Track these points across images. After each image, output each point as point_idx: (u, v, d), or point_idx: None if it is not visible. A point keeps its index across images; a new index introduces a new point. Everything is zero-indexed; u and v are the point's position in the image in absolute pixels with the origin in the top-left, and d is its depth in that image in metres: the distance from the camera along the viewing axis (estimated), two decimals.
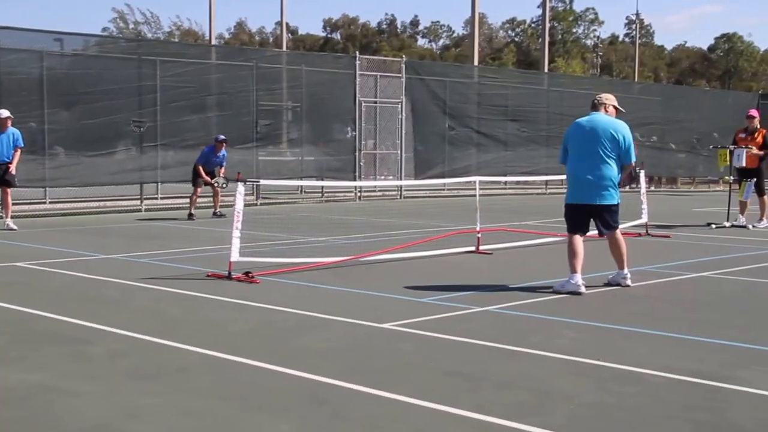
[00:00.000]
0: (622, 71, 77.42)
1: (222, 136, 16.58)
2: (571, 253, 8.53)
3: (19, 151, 14.09)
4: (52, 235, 13.27)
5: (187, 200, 16.60)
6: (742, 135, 15.64)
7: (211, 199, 16.64)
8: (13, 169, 14.03)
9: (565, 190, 9.07)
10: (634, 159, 8.77)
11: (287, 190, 21.67)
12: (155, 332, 6.59)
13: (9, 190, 14.13)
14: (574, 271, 8.46)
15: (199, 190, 16.41)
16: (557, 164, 8.95)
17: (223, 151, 16.53)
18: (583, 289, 8.40)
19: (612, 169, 8.57)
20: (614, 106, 8.92)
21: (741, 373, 5.59)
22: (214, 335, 6.59)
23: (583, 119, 8.76)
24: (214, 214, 16.38)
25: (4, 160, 13.96)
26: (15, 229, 13.62)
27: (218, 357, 5.90)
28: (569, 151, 8.68)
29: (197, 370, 5.62)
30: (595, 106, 8.82)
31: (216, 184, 16.30)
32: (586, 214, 8.67)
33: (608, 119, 8.73)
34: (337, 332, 6.77)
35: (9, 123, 14.04)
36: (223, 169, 16.52)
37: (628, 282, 8.82)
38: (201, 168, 16.39)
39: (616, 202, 8.66)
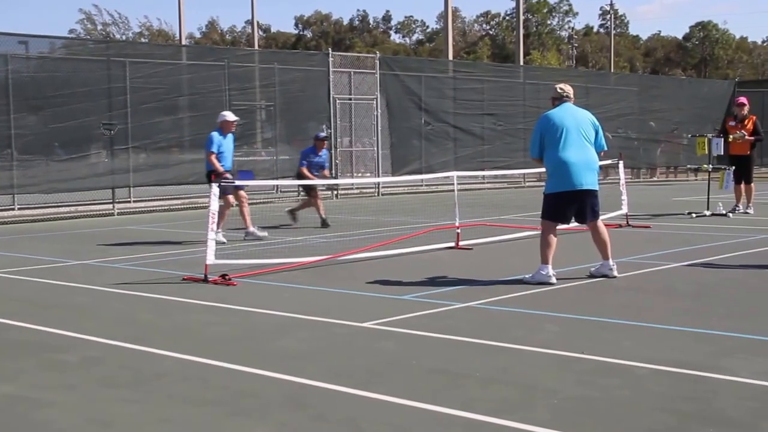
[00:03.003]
0: (598, 62, 77.78)
1: (323, 134, 15.28)
2: (546, 244, 8.63)
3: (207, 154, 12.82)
4: (21, 242, 13.12)
5: (163, 203, 16.17)
6: (732, 123, 15.75)
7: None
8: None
9: (543, 183, 9.10)
10: (606, 147, 9.15)
11: (263, 190, 21.58)
12: (130, 338, 6.51)
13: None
14: (546, 261, 8.60)
15: (317, 193, 14.54)
16: (535, 158, 9.00)
17: (324, 151, 14.96)
18: (554, 280, 8.52)
19: (596, 156, 8.89)
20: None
21: (725, 362, 5.60)
22: (191, 340, 6.53)
23: (556, 111, 8.85)
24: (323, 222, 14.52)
25: (229, 166, 12.95)
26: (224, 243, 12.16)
27: (195, 362, 5.85)
28: (549, 143, 8.70)
29: (174, 376, 5.56)
30: (566, 98, 8.96)
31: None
32: (575, 201, 8.73)
33: (582, 109, 9.07)
34: (317, 333, 6.73)
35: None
36: (326, 171, 15.06)
37: (615, 273, 8.86)
38: (306, 171, 14.57)
39: (598, 188, 8.91)
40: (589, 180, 8.69)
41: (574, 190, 8.65)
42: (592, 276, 8.93)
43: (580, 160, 8.62)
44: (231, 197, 12.63)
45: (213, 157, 12.60)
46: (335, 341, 6.44)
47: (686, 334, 6.49)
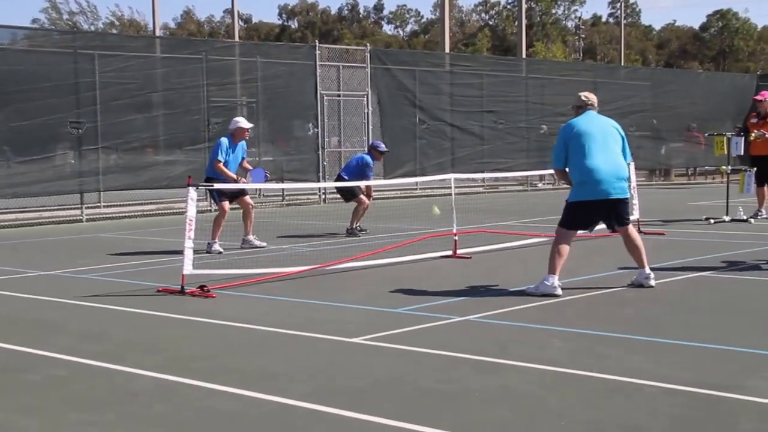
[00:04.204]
0: (607, 54, 78.00)
1: (383, 147, 15.34)
2: (559, 253, 8.70)
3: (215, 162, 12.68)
4: None
5: (136, 209, 16.07)
6: (754, 120, 15.73)
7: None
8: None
9: (550, 187, 9.15)
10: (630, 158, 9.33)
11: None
12: (101, 356, 6.51)
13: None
14: (553, 271, 8.67)
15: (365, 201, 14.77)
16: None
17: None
18: (559, 291, 8.58)
19: (625, 163, 9.08)
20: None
21: (747, 381, 5.61)
22: (167, 357, 6.54)
23: (579, 119, 9.04)
24: (359, 229, 14.78)
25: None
26: (221, 252, 12.31)
27: (172, 381, 5.85)
28: (574, 151, 8.85)
29: (149, 396, 5.57)
30: (589, 106, 9.15)
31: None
32: (602, 210, 8.88)
33: (606, 117, 9.28)
34: (304, 349, 6.74)
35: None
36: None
37: (652, 282, 8.99)
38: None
39: (628, 196, 9.13)
40: (618, 189, 8.83)
41: (601, 199, 8.78)
42: (631, 285, 9.02)
43: (608, 168, 8.77)
44: (226, 204, 12.61)
45: (221, 166, 12.55)
46: (323, 359, 6.44)
47: (704, 351, 6.51)
